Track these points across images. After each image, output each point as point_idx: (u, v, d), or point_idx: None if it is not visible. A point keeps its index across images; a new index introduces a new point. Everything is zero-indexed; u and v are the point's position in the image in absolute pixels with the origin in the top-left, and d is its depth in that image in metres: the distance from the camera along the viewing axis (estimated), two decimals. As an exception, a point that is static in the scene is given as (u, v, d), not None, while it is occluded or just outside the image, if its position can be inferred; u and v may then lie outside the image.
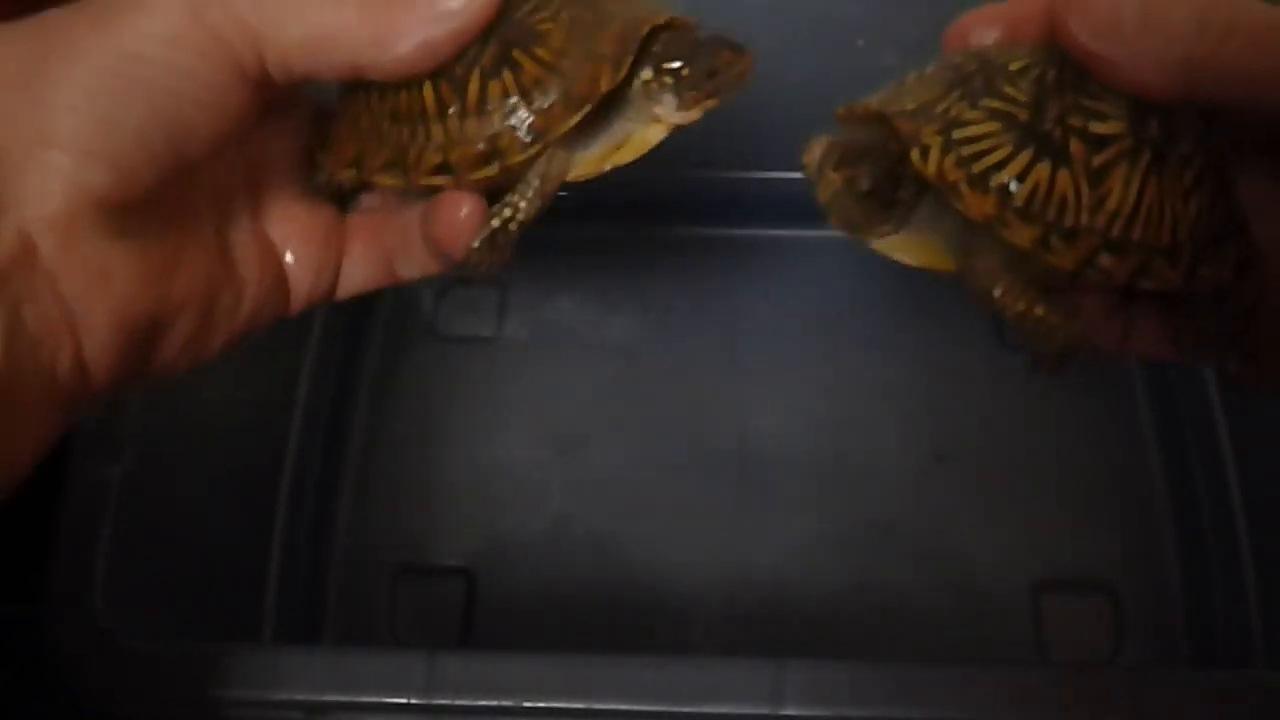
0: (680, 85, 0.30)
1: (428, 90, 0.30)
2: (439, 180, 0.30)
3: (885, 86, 0.31)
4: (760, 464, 0.61)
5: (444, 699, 0.37)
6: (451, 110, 0.30)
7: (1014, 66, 0.29)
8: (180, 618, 0.46)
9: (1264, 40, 0.26)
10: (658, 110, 0.31)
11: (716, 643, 0.57)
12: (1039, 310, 0.28)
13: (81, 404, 0.28)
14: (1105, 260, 0.28)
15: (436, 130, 0.30)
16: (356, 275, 0.34)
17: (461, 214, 0.31)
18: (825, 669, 0.37)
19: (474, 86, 0.30)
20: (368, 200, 0.35)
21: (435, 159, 0.30)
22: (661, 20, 0.31)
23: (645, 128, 0.32)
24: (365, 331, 0.65)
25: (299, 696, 0.37)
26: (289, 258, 0.33)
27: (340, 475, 0.62)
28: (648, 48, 0.30)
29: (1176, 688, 0.37)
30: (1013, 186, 0.27)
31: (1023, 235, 0.27)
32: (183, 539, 0.48)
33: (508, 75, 0.29)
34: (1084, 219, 0.27)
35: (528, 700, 0.37)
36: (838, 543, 0.59)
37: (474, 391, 0.64)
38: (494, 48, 0.29)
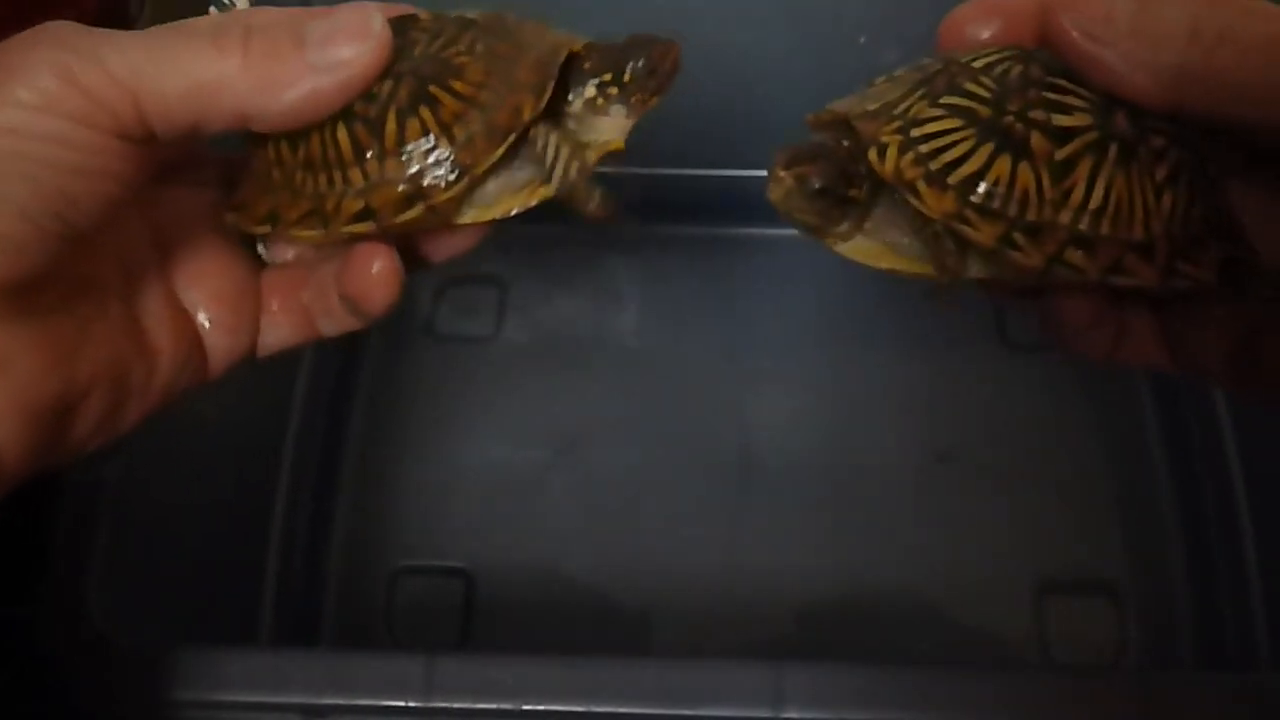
0: (626, 91, 0.30)
1: (342, 134, 0.29)
2: (361, 228, 0.29)
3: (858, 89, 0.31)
4: (760, 464, 0.61)
5: (443, 701, 0.37)
6: (369, 153, 0.29)
7: (979, 64, 0.28)
8: (177, 620, 0.46)
9: (1256, 52, 0.25)
10: (607, 122, 0.31)
11: (716, 644, 0.57)
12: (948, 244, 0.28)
13: None
14: (1074, 256, 0.27)
15: (355, 175, 0.29)
16: (277, 333, 0.33)
17: (374, 270, 0.30)
18: (826, 671, 0.37)
19: (391, 126, 0.28)
20: (283, 253, 0.33)
21: (356, 205, 0.29)
22: (577, 46, 0.30)
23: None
24: (363, 331, 0.65)
25: (297, 699, 0.37)
26: (204, 321, 0.31)
27: (338, 475, 0.62)
28: (566, 73, 0.30)
29: (1181, 690, 0.37)
30: (972, 182, 0.27)
31: (984, 233, 0.27)
32: (179, 540, 0.48)
33: (425, 112, 0.28)
34: (1048, 214, 0.27)
35: (527, 703, 0.37)
36: (838, 543, 0.59)
37: (473, 391, 0.64)
38: (409, 84, 0.29)
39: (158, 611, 0.44)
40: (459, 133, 0.29)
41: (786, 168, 0.28)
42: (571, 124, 0.31)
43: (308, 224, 0.30)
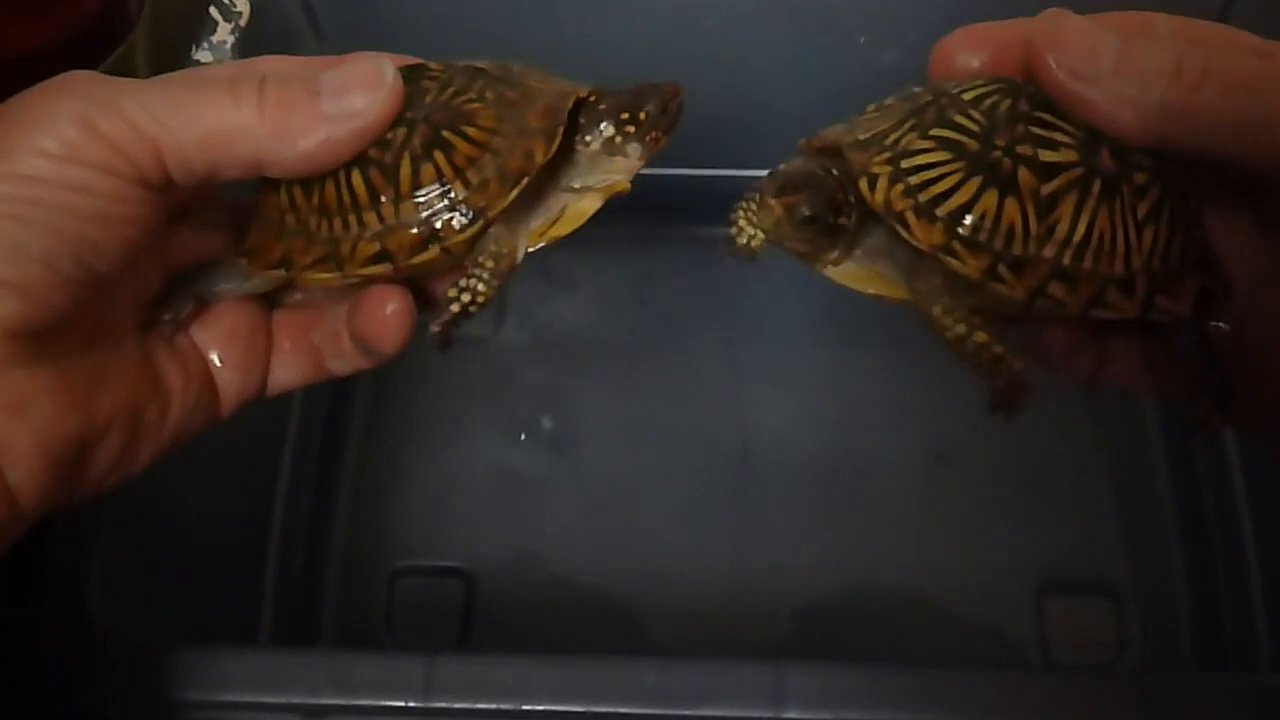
0: (642, 130, 0.31)
1: (357, 179, 0.29)
2: (376, 270, 0.30)
3: (880, 98, 0.31)
4: (760, 464, 0.61)
5: (443, 702, 0.37)
6: (384, 198, 0.29)
7: (968, 96, 0.28)
8: (176, 620, 0.45)
9: (1239, 89, 0.25)
10: (621, 162, 0.31)
11: (716, 644, 0.57)
12: (979, 336, 0.28)
13: (10, 532, 0.27)
14: (1056, 290, 0.27)
15: (370, 218, 0.29)
16: (287, 373, 0.33)
17: (387, 311, 0.31)
18: (826, 671, 0.37)
19: (405, 171, 0.29)
20: (292, 295, 0.34)
21: (371, 248, 0.29)
22: (583, 93, 0.31)
23: (580, 199, 0.32)
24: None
25: (297, 699, 0.37)
26: (215, 360, 0.32)
27: (338, 475, 0.61)
28: (575, 118, 0.31)
29: (1181, 690, 0.37)
30: (959, 215, 0.27)
31: (970, 265, 0.27)
32: (179, 541, 0.48)
33: (439, 156, 0.29)
34: (1032, 249, 0.27)
35: (527, 703, 0.37)
36: (838, 543, 0.59)
37: (473, 391, 0.64)
38: (422, 131, 0.29)
39: (158, 611, 0.44)
40: (473, 177, 0.29)
41: (776, 196, 0.29)
42: (584, 164, 0.31)
43: (323, 268, 0.30)
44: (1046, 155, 0.27)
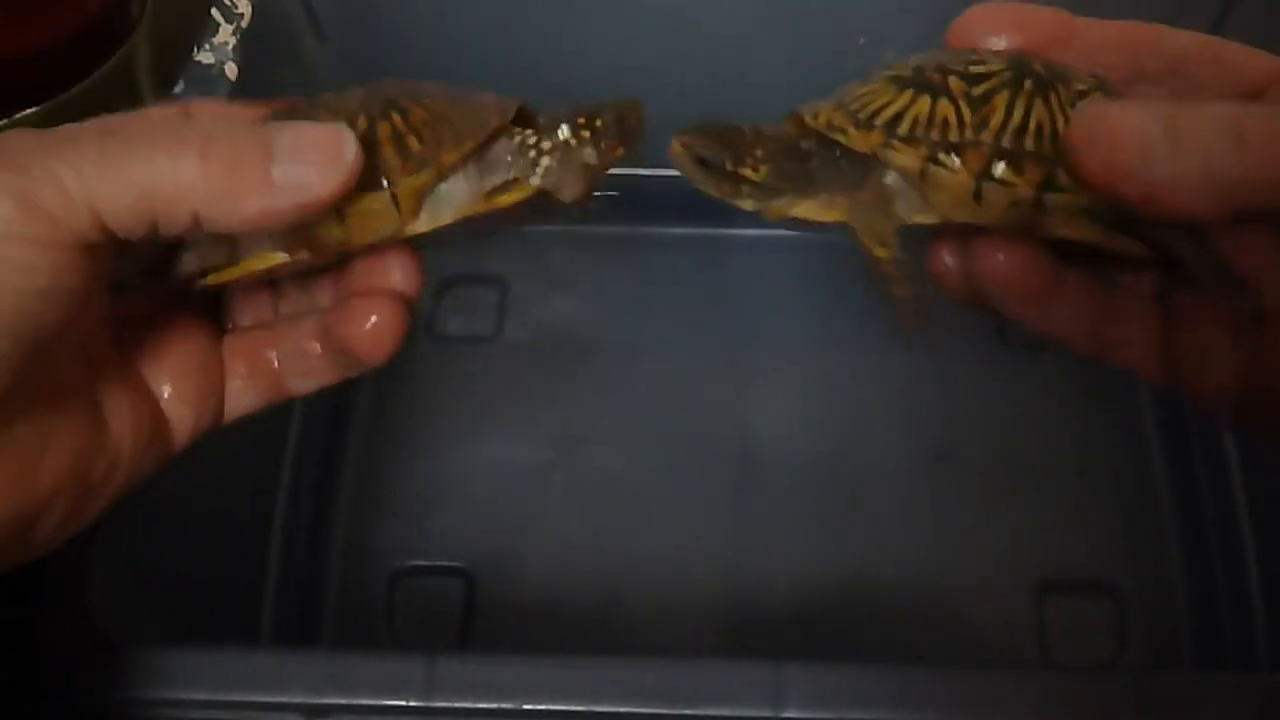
0: (598, 135, 0.31)
1: None
2: (331, 234, 0.29)
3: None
4: (760, 464, 0.61)
5: (443, 701, 0.37)
6: None
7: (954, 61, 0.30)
8: (177, 619, 0.46)
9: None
10: (575, 164, 0.32)
11: (716, 644, 0.57)
12: (887, 254, 0.30)
13: None
14: (1002, 171, 0.28)
15: None
16: (243, 398, 0.32)
17: (369, 324, 0.30)
18: (826, 671, 0.37)
19: (361, 123, 0.29)
20: (242, 317, 0.33)
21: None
22: (526, 104, 0.32)
23: (517, 189, 0.32)
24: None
25: (297, 699, 0.37)
26: (166, 394, 0.31)
27: (338, 475, 0.62)
28: (530, 122, 0.32)
29: (1181, 690, 0.37)
30: (895, 120, 0.29)
31: (910, 156, 0.28)
32: (180, 540, 0.48)
33: (396, 117, 0.29)
34: (969, 134, 0.28)
35: (527, 703, 0.37)
36: (838, 543, 0.59)
37: (473, 391, 0.64)
38: (378, 102, 0.30)
39: (158, 611, 0.44)
40: (427, 134, 0.30)
41: (678, 135, 0.31)
42: (534, 163, 0.32)
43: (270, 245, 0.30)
44: (975, 69, 0.29)
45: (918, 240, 0.31)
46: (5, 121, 0.50)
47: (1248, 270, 0.28)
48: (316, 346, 0.32)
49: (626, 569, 0.58)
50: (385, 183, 0.29)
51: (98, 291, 0.27)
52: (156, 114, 0.29)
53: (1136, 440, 0.61)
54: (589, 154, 0.31)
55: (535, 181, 0.31)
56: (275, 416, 0.59)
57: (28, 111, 0.50)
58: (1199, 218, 0.25)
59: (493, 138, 0.31)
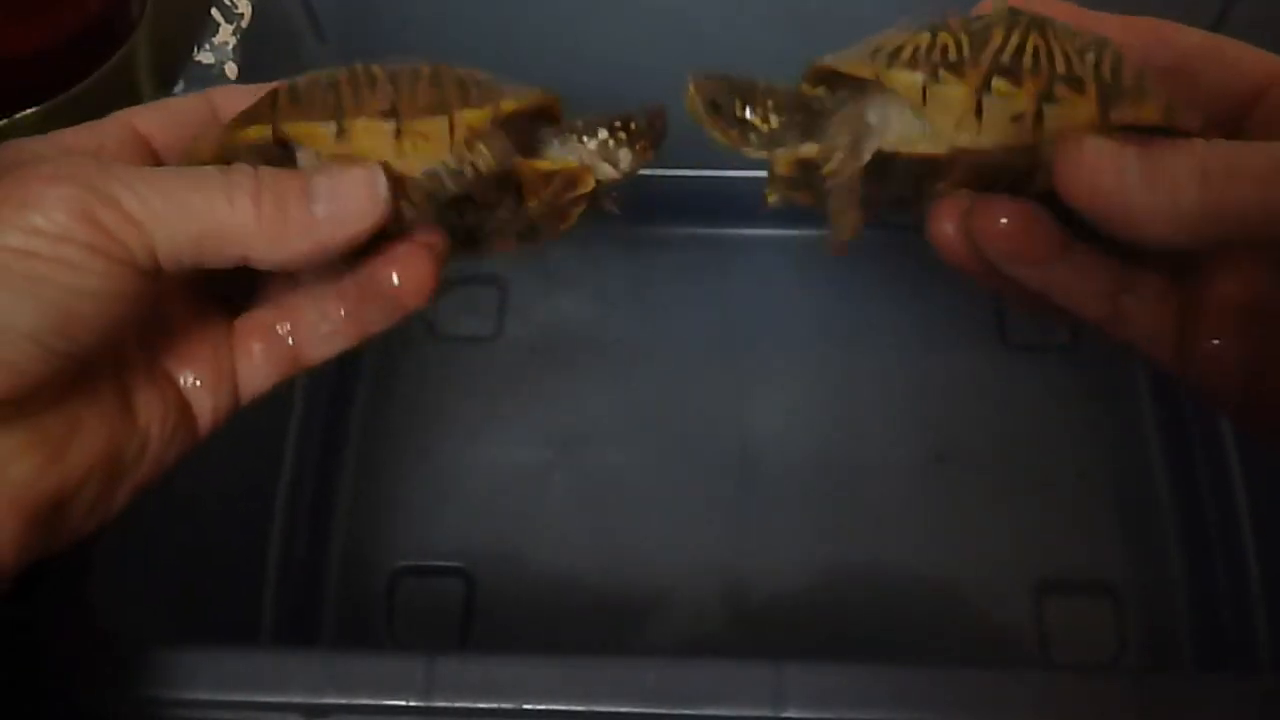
0: (633, 138, 0.33)
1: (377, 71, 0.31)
2: (382, 127, 0.30)
3: None
4: (760, 464, 0.61)
5: (443, 701, 0.37)
6: (394, 85, 0.31)
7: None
8: (177, 619, 0.46)
9: (1262, 182, 0.26)
10: (608, 168, 0.33)
11: (716, 644, 0.57)
12: (842, 174, 0.31)
13: None
14: (1001, 85, 0.29)
15: (385, 89, 0.31)
16: (259, 376, 0.33)
17: (411, 266, 0.31)
18: (826, 671, 0.37)
19: (425, 70, 0.31)
20: (261, 296, 0.34)
21: (382, 104, 0.30)
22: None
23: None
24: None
25: (297, 699, 0.37)
26: (188, 382, 0.32)
27: (338, 475, 0.62)
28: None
29: (1181, 692, 0.37)
30: (895, 51, 0.30)
31: (910, 79, 0.29)
32: (180, 539, 0.48)
33: (456, 71, 0.31)
34: (968, 55, 0.29)
35: (527, 703, 0.37)
36: (837, 543, 0.59)
37: (473, 391, 0.64)
38: (425, 66, 0.31)
39: (158, 610, 0.44)
40: (486, 87, 0.31)
41: (693, 79, 0.32)
42: (577, 153, 0.34)
43: (320, 123, 0.30)
44: (974, 12, 0.30)
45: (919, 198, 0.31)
46: (5, 122, 0.50)
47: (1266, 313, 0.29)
48: (340, 310, 0.32)
49: (626, 569, 0.58)
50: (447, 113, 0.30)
51: (140, 308, 0.28)
52: (211, 169, 0.29)
53: (1136, 440, 0.61)
54: (624, 155, 0.33)
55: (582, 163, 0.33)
56: (275, 416, 0.59)
57: (28, 111, 0.50)
58: (1175, 247, 0.27)
59: (543, 113, 0.33)
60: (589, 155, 0.33)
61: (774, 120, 0.32)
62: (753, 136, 0.32)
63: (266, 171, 0.28)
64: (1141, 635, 0.56)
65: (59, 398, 0.28)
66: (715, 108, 0.32)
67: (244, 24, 0.53)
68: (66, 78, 0.51)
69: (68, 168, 0.27)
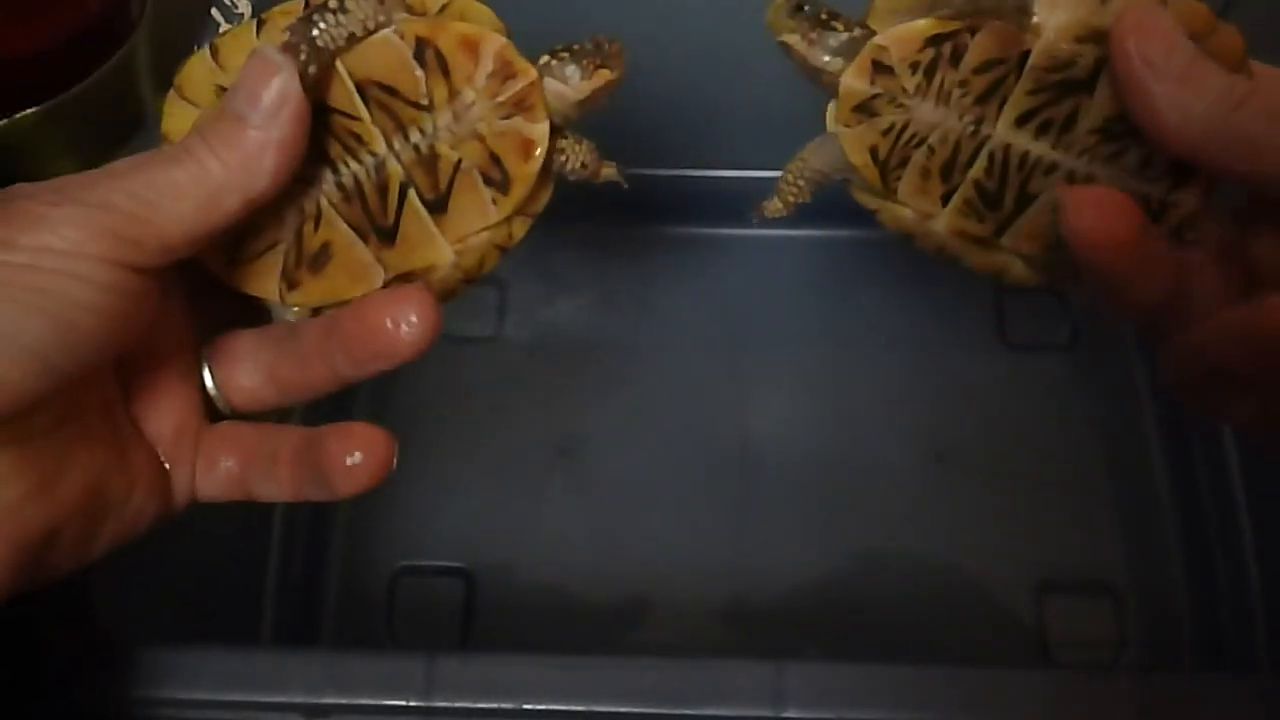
0: (576, 55, 0.33)
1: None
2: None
3: None
4: (760, 464, 0.61)
5: (443, 701, 0.37)
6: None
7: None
8: (178, 619, 0.46)
9: (1272, 113, 0.27)
10: (560, 86, 0.33)
11: (717, 644, 0.57)
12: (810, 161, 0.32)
13: None
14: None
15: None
16: (212, 485, 0.34)
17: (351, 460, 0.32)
18: (826, 670, 0.37)
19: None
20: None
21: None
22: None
23: None
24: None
25: (297, 699, 0.37)
26: (164, 458, 0.32)
27: (339, 475, 0.61)
28: None
29: (1181, 691, 0.37)
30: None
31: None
32: (180, 540, 0.48)
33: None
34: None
35: (527, 703, 0.37)
36: (838, 543, 0.59)
37: (473, 392, 0.64)
38: None
39: (159, 611, 0.44)
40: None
41: None
42: None
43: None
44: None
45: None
46: (5, 122, 0.50)
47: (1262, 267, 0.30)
48: (288, 472, 0.33)
49: (627, 568, 0.58)
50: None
51: (137, 326, 0.28)
52: (165, 148, 0.29)
53: (1136, 440, 0.61)
54: (571, 71, 0.32)
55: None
56: (274, 414, 0.59)
57: (28, 111, 0.50)
58: (1167, 142, 0.28)
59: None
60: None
61: (856, 29, 0.32)
62: (830, 40, 0.32)
63: (201, 119, 0.28)
64: (1142, 635, 0.56)
65: (52, 427, 0.28)
66: (799, 9, 0.32)
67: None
68: (66, 78, 0.51)
69: (62, 192, 0.27)
